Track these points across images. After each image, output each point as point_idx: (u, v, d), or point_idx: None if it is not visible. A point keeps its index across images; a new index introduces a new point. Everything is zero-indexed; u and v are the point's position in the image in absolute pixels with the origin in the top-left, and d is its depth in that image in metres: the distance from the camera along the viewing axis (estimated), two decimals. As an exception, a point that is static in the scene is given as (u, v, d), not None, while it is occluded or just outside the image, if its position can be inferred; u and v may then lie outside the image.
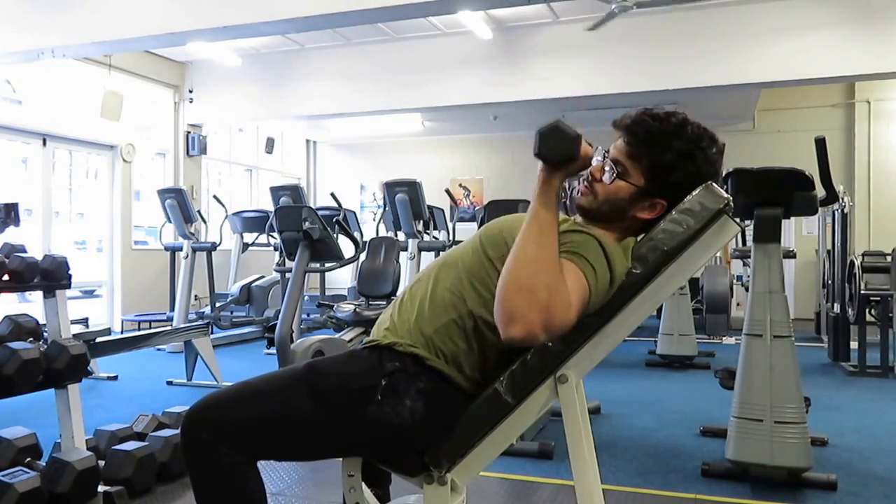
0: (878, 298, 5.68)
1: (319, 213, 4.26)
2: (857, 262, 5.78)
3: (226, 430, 1.35)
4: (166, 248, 7.42)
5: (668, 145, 1.42)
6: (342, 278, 9.73)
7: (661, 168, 1.43)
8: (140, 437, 3.12)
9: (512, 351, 1.44)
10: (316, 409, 1.36)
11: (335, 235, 4.68)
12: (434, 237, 7.00)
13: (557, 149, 1.31)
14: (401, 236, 6.43)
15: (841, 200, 6.01)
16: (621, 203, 1.45)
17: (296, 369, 1.44)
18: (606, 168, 1.45)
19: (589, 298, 1.31)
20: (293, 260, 4.16)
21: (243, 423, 1.36)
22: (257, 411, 1.37)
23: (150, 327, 6.90)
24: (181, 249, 7.03)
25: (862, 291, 5.63)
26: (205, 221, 7.77)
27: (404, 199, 6.25)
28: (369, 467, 1.58)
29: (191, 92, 8.94)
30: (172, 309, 7.04)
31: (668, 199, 1.44)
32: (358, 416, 1.36)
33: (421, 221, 6.40)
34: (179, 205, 6.92)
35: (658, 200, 1.45)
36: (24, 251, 2.66)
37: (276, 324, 3.81)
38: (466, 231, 6.77)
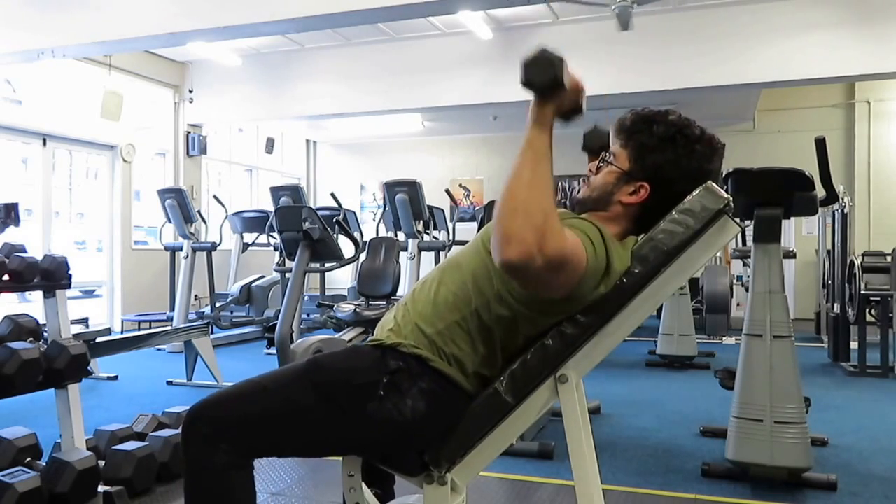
0: (878, 298, 5.68)
1: (319, 213, 4.26)
2: (857, 262, 5.78)
3: (227, 426, 1.35)
4: (166, 248, 7.42)
5: (650, 129, 1.48)
6: (342, 278, 9.72)
7: (642, 149, 1.48)
8: (140, 437, 3.12)
9: (518, 352, 1.44)
10: (317, 405, 1.36)
11: (335, 235, 4.68)
12: (434, 237, 7.00)
13: (544, 73, 1.29)
14: (401, 236, 6.43)
15: (841, 200, 6.01)
16: (608, 187, 1.50)
17: (298, 365, 1.44)
18: (600, 163, 1.53)
19: (585, 266, 1.29)
20: (293, 260, 4.16)
21: (244, 419, 1.36)
22: (259, 407, 1.37)
23: (150, 327, 6.90)
24: (181, 249, 7.03)
25: (862, 291, 5.63)
26: (205, 221, 7.77)
27: (404, 199, 6.26)
28: (372, 468, 1.58)
29: (191, 92, 8.94)
30: (172, 309, 7.05)
31: (651, 184, 1.47)
32: (359, 412, 1.36)
33: (421, 221, 6.41)
34: (179, 205, 6.92)
35: (641, 184, 1.47)
36: (24, 251, 2.66)
37: (276, 324, 3.81)
38: (466, 231, 6.77)
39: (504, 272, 1.24)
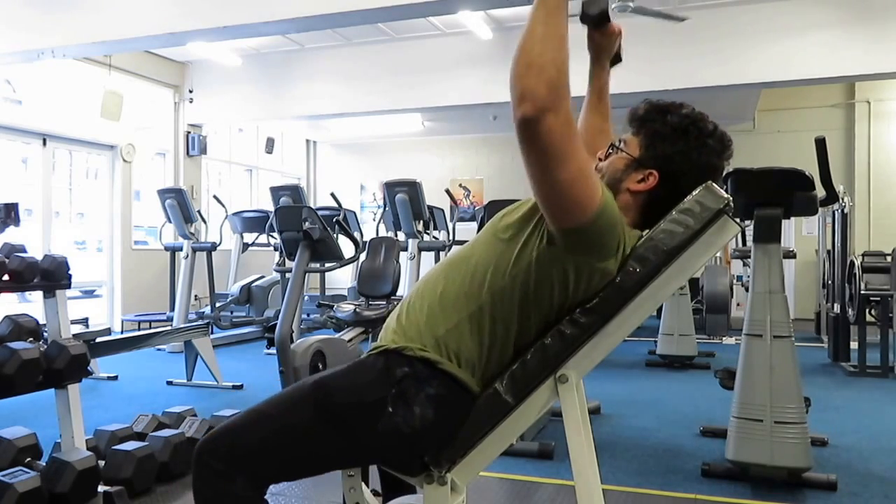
0: (878, 298, 5.68)
1: (319, 213, 4.25)
2: (857, 263, 5.78)
3: (238, 458, 1.33)
4: (166, 248, 7.42)
5: (664, 119, 1.47)
6: (342, 278, 9.72)
7: (654, 136, 1.47)
8: (140, 437, 3.12)
9: (525, 347, 1.42)
10: (326, 429, 1.34)
11: (335, 235, 4.68)
12: (434, 237, 7.00)
13: None
14: (401, 236, 6.43)
15: (841, 200, 6.01)
16: (617, 174, 1.48)
17: (303, 388, 1.41)
18: (610, 150, 1.52)
19: (600, 193, 1.30)
20: (293, 260, 4.16)
21: (256, 450, 1.34)
22: (268, 436, 1.35)
23: (150, 327, 6.90)
24: (181, 249, 7.03)
25: (862, 291, 5.63)
26: (205, 221, 7.77)
27: (404, 199, 6.25)
28: (390, 478, 1.58)
29: (191, 92, 8.94)
30: (172, 309, 7.04)
31: (660, 173, 1.45)
32: (368, 430, 1.33)
33: (421, 221, 6.40)
34: (179, 205, 6.92)
35: (650, 171, 1.46)
36: (24, 251, 2.66)
37: (276, 324, 3.80)
38: (466, 231, 6.77)
39: (519, 132, 1.22)
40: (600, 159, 1.53)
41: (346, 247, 4.70)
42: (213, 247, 7.12)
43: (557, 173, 1.25)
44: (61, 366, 2.61)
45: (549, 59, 1.20)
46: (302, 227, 4.03)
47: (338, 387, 1.39)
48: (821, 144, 3.09)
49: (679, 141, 1.45)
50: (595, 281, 1.38)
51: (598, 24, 1.60)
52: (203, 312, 7.27)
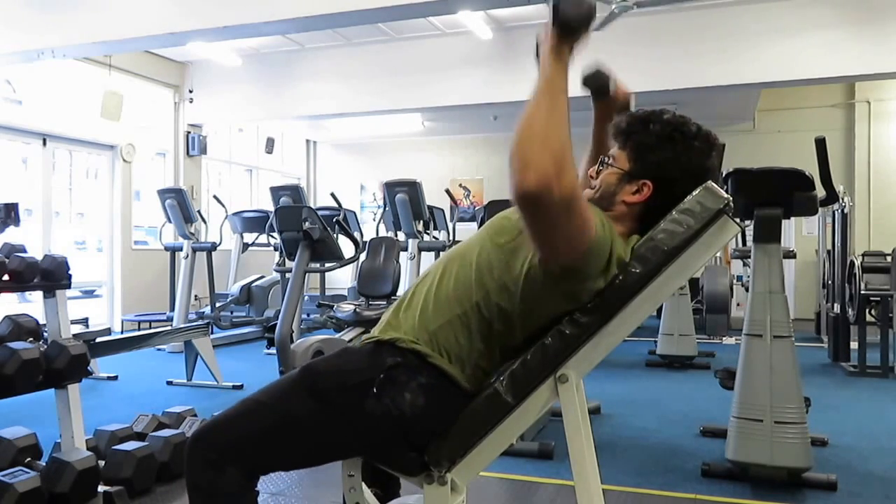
0: (878, 298, 5.68)
1: (319, 213, 4.26)
2: (857, 263, 5.78)
3: (231, 448, 1.34)
4: (166, 248, 7.42)
5: (647, 129, 1.49)
6: (342, 278, 9.72)
7: (641, 148, 1.49)
8: (140, 437, 3.12)
9: (516, 349, 1.44)
10: (316, 411, 1.36)
11: (335, 235, 4.68)
12: (434, 237, 7.00)
13: (578, 12, 1.29)
14: (401, 236, 6.43)
15: (841, 200, 6.01)
16: (610, 188, 1.50)
17: (293, 375, 1.43)
18: (600, 166, 1.54)
19: (594, 232, 1.31)
20: (293, 260, 4.16)
21: (248, 438, 1.35)
22: (260, 423, 1.36)
23: (150, 327, 6.90)
24: (181, 249, 7.03)
25: (862, 291, 5.63)
26: (205, 221, 7.77)
27: (404, 199, 6.25)
28: (376, 470, 1.58)
29: (191, 92, 8.94)
30: (172, 309, 7.04)
31: (653, 182, 1.47)
32: (358, 411, 1.35)
33: (421, 221, 6.40)
34: (179, 205, 6.92)
35: (643, 182, 1.47)
36: (24, 251, 2.66)
37: (276, 324, 3.81)
38: (466, 231, 6.77)
39: (519, 204, 1.23)
40: (592, 177, 1.55)
41: (346, 247, 4.71)
42: (213, 247, 7.12)
43: (556, 234, 1.28)
44: (61, 366, 2.61)
45: (555, 135, 1.22)
46: (302, 227, 4.04)
47: (325, 370, 1.42)
48: (821, 144, 3.09)
49: (666, 148, 1.47)
50: (583, 297, 1.40)
51: (597, 94, 1.68)
52: (203, 312, 7.27)
